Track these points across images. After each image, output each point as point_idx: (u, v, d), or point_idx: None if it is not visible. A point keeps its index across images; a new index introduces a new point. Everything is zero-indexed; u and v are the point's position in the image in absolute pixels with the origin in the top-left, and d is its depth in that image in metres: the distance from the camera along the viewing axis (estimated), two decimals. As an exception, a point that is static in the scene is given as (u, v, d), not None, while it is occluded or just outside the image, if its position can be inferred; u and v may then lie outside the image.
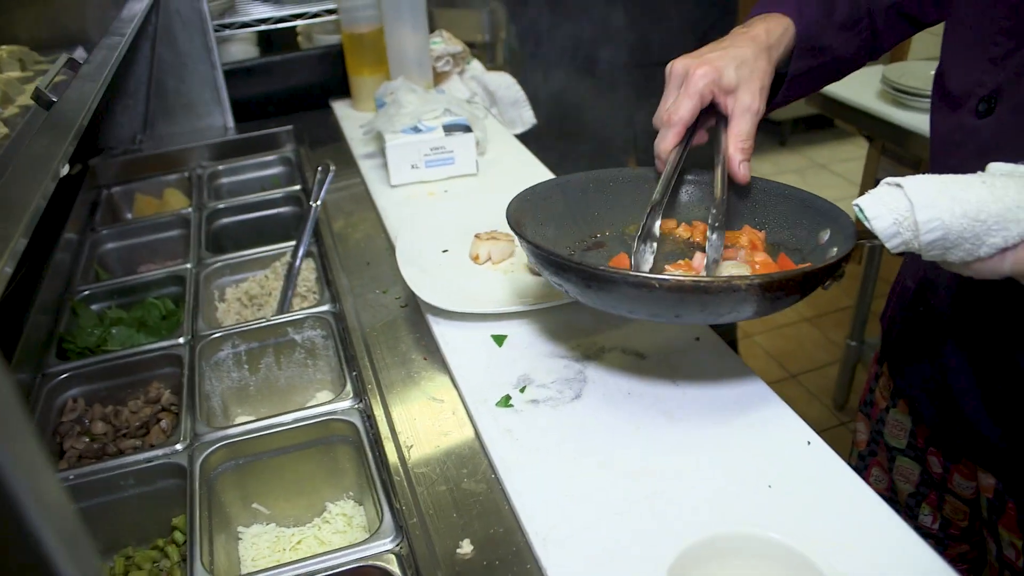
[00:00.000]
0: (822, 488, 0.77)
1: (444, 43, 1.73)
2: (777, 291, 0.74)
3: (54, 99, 0.86)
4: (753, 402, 0.88)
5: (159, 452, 0.98)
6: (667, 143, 0.91)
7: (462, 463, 0.85)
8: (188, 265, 1.39)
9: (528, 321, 1.04)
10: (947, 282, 0.96)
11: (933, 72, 2.02)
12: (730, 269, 0.84)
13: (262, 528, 1.05)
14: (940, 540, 1.19)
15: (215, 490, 0.99)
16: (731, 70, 0.89)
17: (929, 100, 1.92)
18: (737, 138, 0.89)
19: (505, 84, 1.81)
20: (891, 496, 1.23)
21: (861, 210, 0.68)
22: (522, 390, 0.92)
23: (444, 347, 1.01)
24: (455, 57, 1.74)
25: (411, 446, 0.88)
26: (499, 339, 1.01)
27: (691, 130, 0.93)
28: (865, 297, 2.44)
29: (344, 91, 1.86)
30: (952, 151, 0.91)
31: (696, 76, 0.88)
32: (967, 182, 0.65)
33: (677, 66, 0.91)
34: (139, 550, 1.01)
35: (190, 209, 1.58)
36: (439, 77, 1.75)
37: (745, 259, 0.88)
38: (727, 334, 2.32)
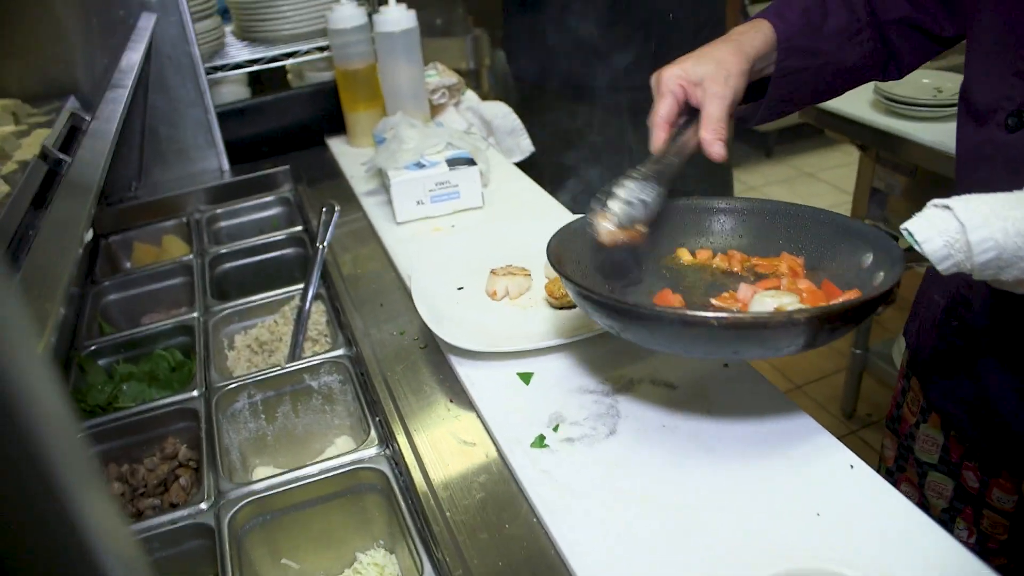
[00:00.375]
0: (871, 513, 0.75)
1: (439, 75, 1.73)
2: (836, 322, 0.73)
3: (61, 156, 0.84)
4: (789, 427, 0.87)
5: (184, 512, 0.96)
6: (655, 143, 0.97)
7: (501, 508, 0.83)
8: (195, 314, 1.36)
9: (553, 357, 1.02)
10: (982, 297, 0.95)
11: (926, 81, 2.04)
12: (775, 299, 0.82)
13: (292, 584, 1.02)
14: (978, 554, 1.18)
15: (244, 548, 0.96)
16: (696, 65, 0.95)
17: (922, 108, 1.94)
18: (707, 120, 0.93)
19: (501, 113, 1.80)
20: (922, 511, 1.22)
21: (911, 234, 0.67)
22: (555, 429, 0.90)
23: (470, 388, 0.99)
24: (450, 89, 1.73)
25: (447, 493, 0.86)
26: (526, 377, 0.99)
27: (682, 131, 0.97)
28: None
29: (339, 128, 1.85)
30: (981, 165, 0.91)
31: (665, 77, 0.96)
32: (1016, 200, 0.64)
33: (652, 78, 0.99)
34: (166, 615, 0.98)
35: (191, 256, 1.56)
36: (435, 110, 1.75)
37: (788, 287, 0.87)
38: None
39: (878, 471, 1.30)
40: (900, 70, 1.10)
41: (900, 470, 1.26)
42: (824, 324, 0.72)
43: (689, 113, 0.98)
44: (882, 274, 0.81)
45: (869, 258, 0.86)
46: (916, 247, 0.66)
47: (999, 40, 0.88)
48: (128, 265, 1.69)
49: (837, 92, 1.12)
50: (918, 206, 2.11)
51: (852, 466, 0.81)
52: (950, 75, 2.07)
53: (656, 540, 0.75)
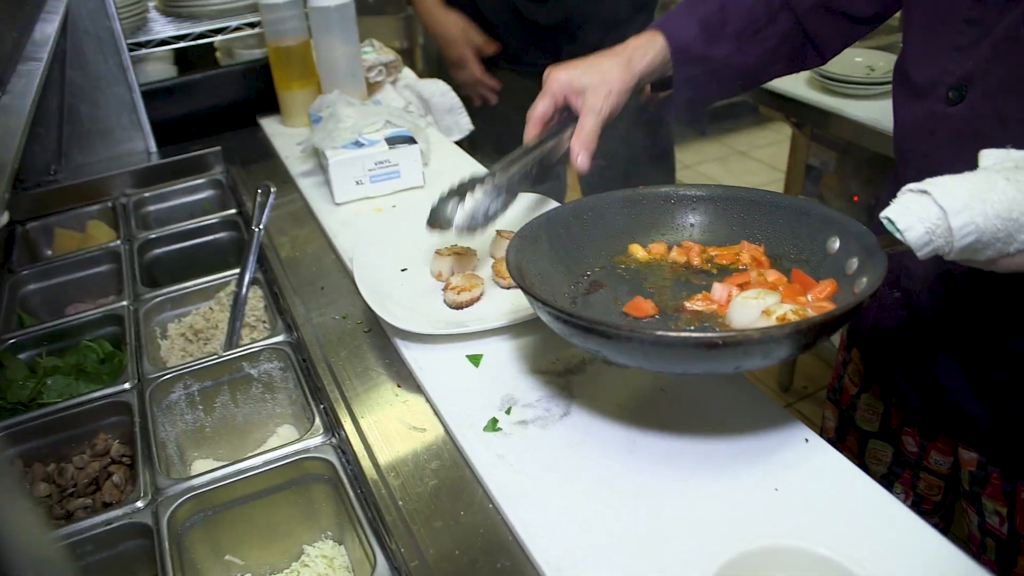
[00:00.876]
0: (828, 486, 0.76)
1: (375, 52, 1.68)
2: (835, 325, 0.71)
3: (-30, 136, 0.78)
4: (742, 402, 0.87)
5: (119, 512, 0.91)
6: (527, 136, 1.02)
7: (455, 494, 0.81)
8: (124, 302, 1.30)
9: (503, 338, 1.00)
10: (923, 271, 0.97)
11: (858, 59, 2.07)
12: (759, 300, 0.79)
13: (237, 581, 0.98)
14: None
15: (184, 547, 0.92)
16: (583, 74, 0.99)
17: (856, 86, 1.98)
18: (580, 133, 0.99)
19: (440, 91, 1.76)
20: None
21: (891, 222, 0.66)
22: (508, 411, 0.88)
23: (418, 372, 0.96)
24: (387, 66, 1.69)
25: (399, 481, 0.83)
26: (475, 359, 0.97)
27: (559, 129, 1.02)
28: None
29: (272, 107, 1.78)
30: (922, 139, 0.92)
31: (551, 79, 1.01)
32: (990, 181, 0.64)
33: (546, 71, 1.03)
34: (103, 619, 0.93)
35: (118, 242, 1.49)
36: (372, 87, 1.70)
37: (757, 280, 0.84)
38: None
39: None
40: (822, 56, 1.12)
41: (841, 440, 1.29)
42: (824, 329, 0.70)
43: (569, 115, 1.02)
44: (856, 261, 0.80)
45: (836, 243, 0.84)
46: (898, 235, 0.65)
47: (936, 15, 0.89)
48: (49, 253, 1.60)
49: (748, 88, 1.17)
50: (850, 182, 2.16)
51: (807, 440, 0.82)
52: (882, 54, 2.11)
53: (614, 523, 0.74)
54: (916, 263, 1.01)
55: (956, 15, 0.85)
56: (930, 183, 0.65)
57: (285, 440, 1.16)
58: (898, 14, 1.03)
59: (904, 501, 1.20)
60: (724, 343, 0.68)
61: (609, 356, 0.75)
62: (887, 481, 1.23)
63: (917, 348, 1.03)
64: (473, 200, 0.95)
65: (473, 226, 0.95)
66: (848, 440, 1.28)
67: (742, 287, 0.84)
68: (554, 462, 0.81)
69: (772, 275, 0.87)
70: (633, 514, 0.74)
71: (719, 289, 0.84)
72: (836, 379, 1.30)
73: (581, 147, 0.98)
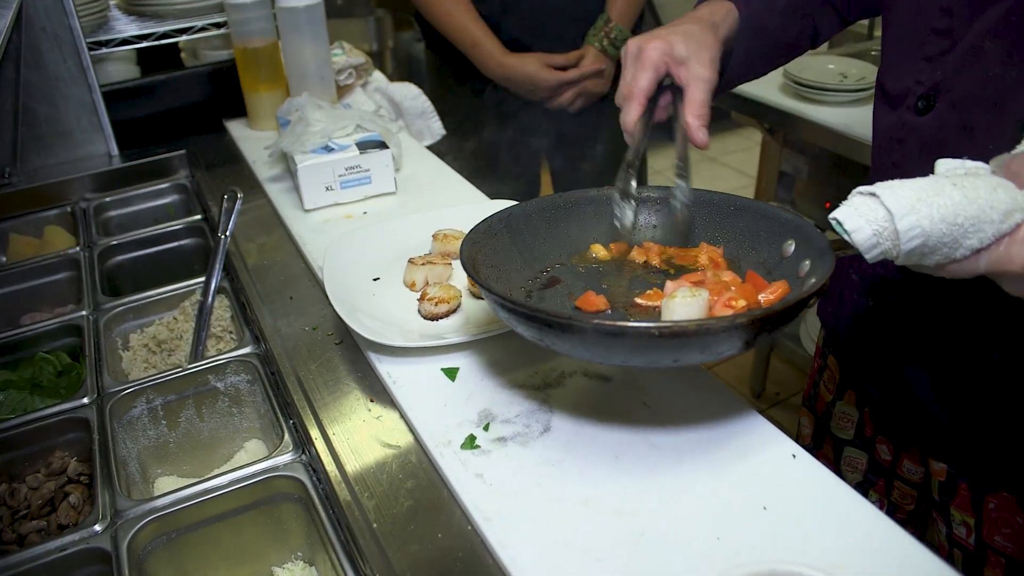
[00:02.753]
0: (817, 503, 0.74)
1: (346, 55, 1.64)
2: (778, 321, 0.71)
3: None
4: (728, 417, 0.85)
5: (75, 537, 0.86)
6: (631, 115, 0.92)
7: (433, 516, 0.78)
8: (83, 312, 1.24)
9: (479, 350, 0.97)
10: (896, 276, 0.96)
11: (831, 66, 2.08)
12: (691, 299, 0.78)
13: (202, 605, 0.94)
14: None
15: (146, 572, 0.87)
16: (681, 43, 0.92)
17: (829, 93, 1.98)
18: (692, 105, 0.90)
19: (411, 95, 1.73)
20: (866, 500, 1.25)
21: (839, 223, 0.66)
22: (486, 428, 0.85)
23: (392, 386, 0.93)
24: (357, 69, 1.65)
25: (373, 503, 0.80)
26: (451, 373, 0.94)
27: (652, 104, 0.94)
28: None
29: (239, 110, 1.73)
30: (894, 147, 0.92)
31: (649, 49, 0.91)
32: (938, 186, 0.64)
33: (631, 46, 0.94)
34: (59, 650, 0.88)
35: (77, 248, 1.43)
36: (341, 91, 1.66)
37: (712, 280, 0.84)
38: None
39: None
40: (815, 44, 1.12)
41: (818, 447, 1.29)
42: (765, 324, 0.70)
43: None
44: (808, 263, 0.80)
45: (791, 246, 0.85)
46: (846, 237, 0.65)
47: (909, 26, 0.89)
48: (3, 260, 1.53)
49: (772, 68, 1.12)
50: (822, 188, 2.16)
51: (794, 456, 0.80)
52: (855, 61, 2.12)
53: (597, 545, 0.71)
54: (887, 269, 1.01)
55: (925, 25, 0.85)
56: (879, 186, 0.65)
57: (253, 456, 1.12)
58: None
59: (880, 509, 1.21)
60: (660, 334, 0.68)
61: (553, 345, 0.76)
62: (862, 489, 1.22)
63: (888, 356, 1.02)
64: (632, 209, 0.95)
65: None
66: (824, 447, 1.27)
67: (696, 285, 0.83)
68: (534, 481, 0.78)
69: (727, 275, 0.86)
70: (617, 535, 0.72)
71: (670, 286, 0.84)
72: (812, 386, 1.30)
73: (699, 120, 0.90)
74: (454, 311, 1.03)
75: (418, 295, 1.07)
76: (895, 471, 1.16)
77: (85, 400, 1.05)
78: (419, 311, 1.04)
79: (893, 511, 1.21)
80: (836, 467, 1.25)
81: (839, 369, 1.21)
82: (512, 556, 0.70)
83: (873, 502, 1.20)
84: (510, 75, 1.74)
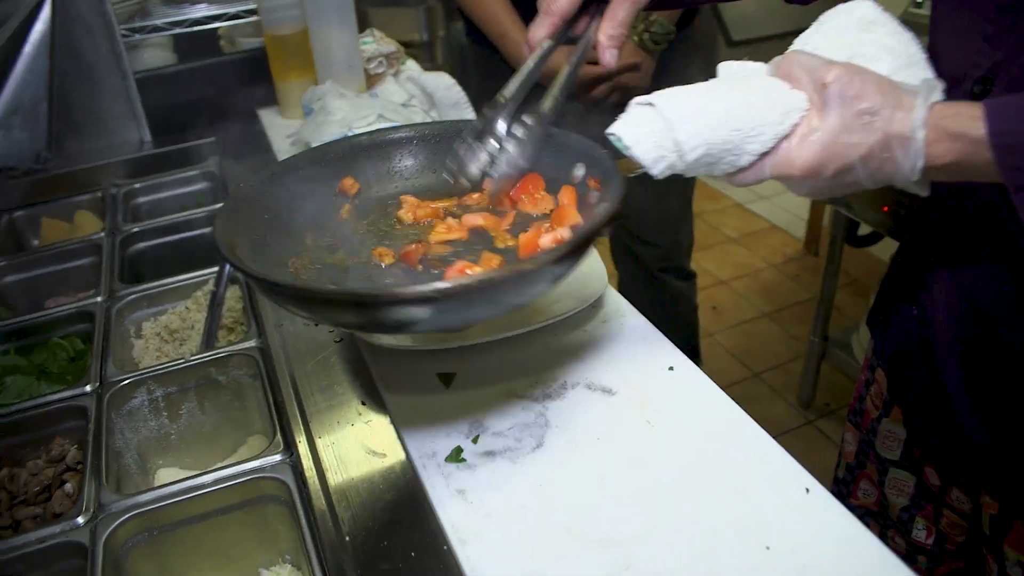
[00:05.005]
0: (827, 546, 0.67)
1: (376, 43, 1.60)
2: (569, 259, 0.67)
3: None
4: (740, 442, 0.78)
5: (55, 529, 0.84)
6: (539, 31, 0.81)
7: (409, 533, 0.73)
8: (98, 298, 1.24)
9: (479, 355, 0.92)
10: (943, 282, 0.88)
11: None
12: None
13: (186, 605, 0.92)
14: (935, 556, 1.12)
15: (124, 568, 0.85)
16: None
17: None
18: (611, 23, 0.79)
19: (444, 85, 1.68)
20: (881, 511, 1.16)
21: (618, 138, 0.63)
22: (475, 440, 0.80)
23: (384, 390, 0.89)
24: (388, 58, 1.61)
25: (349, 513, 0.76)
26: (447, 378, 0.89)
27: (566, 29, 0.83)
28: (827, 291, 2.38)
29: (271, 98, 1.72)
30: None
31: None
32: (716, 91, 0.62)
33: None
34: (39, 643, 0.87)
35: (102, 234, 1.43)
36: (372, 80, 1.62)
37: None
38: (689, 340, 2.24)
39: (837, 467, 1.24)
40: None
41: (860, 466, 1.20)
42: (559, 264, 0.66)
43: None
44: (607, 188, 0.75)
45: (581, 169, 0.80)
46: (626, 152, 0.63)
47: (966, 3, 0.80)
48: (35, 243, 1.55)
49: None
50: (876, 192, 2.01)
51: (808, 490, 0.72)
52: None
53: None
54: (936, 274, 0.93)
55: (987, 2, 0.76)
56: (656, 95, 0.62)
57: (257, 451, 1.10)
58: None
59: (926, 539, 1.12)
60: (440, 295, 0.61)
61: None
62: (908, 514, 1.13)
63: (932, 372, 0.94)
64: (507, 154, 0.81)
65: (504, 188, 0.82)
66: (868, 467, 1.18)
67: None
68: (519, 502, 0.73)
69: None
70: (599, 566, 0.66)
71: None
72: (858, 400, 1.20)
73: (613, 42, 0.79)
74: (457, 313, 0.99)
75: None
76: (943, 498, 1.07)
77: (87, 388, 1.04)
78: None
79: (942, 541, 1.11)
80: (880, 489, 1.16)
81: (887, 383, 1.12)
82: (483, 582, 0.65)
83: (919, 530, 1.12)
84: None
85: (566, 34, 0.82)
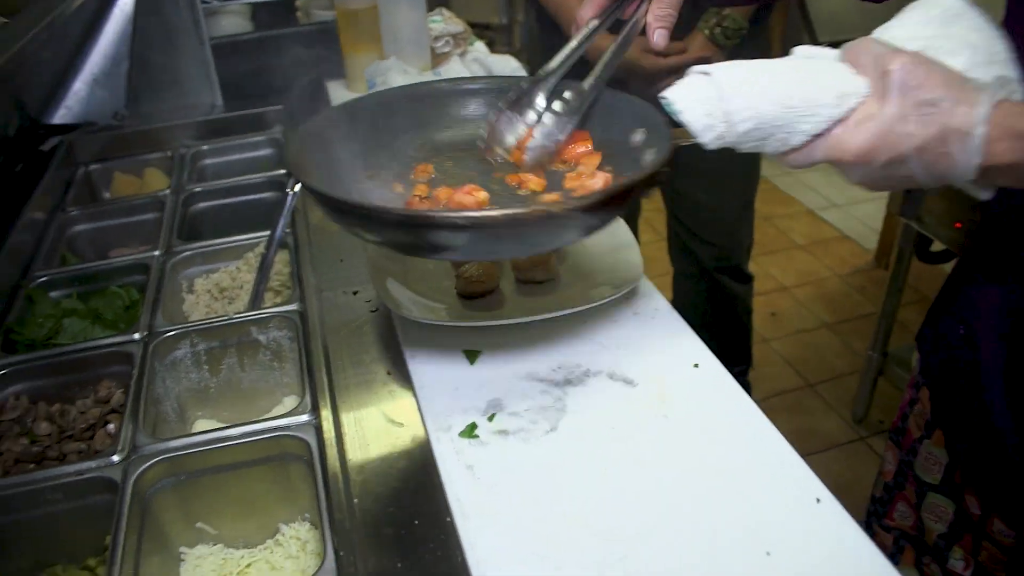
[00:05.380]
0: (830, 559, 0.65)
1: (444, 22, 1.62)
2: (604, 208, 0.69)
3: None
4: (753, 445, 0.77)
5: (92, 464, 0.89)
6: (587, 11, 0.81)
7: (415, 503, 0.74)
8: (156, 252, 1.29)
9: (506, 335, 0.93)
10: (992, 300, 0.85)
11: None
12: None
13: (208, 549, 0.95)
14: None
15: (151, 508, 0.89)
16: None
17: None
18: (660, 3, 0.79)
19: (510, 68, 1.69)
20: (917, 535, 1.12)
21: (669, 103, 0.63)
22: (491, 418, 0.81)
23: (410, 361, 0.90)
24: (456, 37, 1.62)
25: (361, 477, 0.78)
26: (472, 355, 0.90)
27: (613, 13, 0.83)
28: (890, 305, 2.30)
29: (341, 71, 1.75)
30: None
31: None
32: (775, 67, 0.62)
33: None
34: (69, 568, 0.92)
35: (167, 191, 1.49)
36: (438, 59, 1.64)
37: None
38: (742, 342, 2.20)
39: (875, 485, 1.20)
40: None
41: (899, 487, 1.16)
42: (588, 214, 0.68)
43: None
44: (652, 152, 0.76)
45: (639, 135, 0.80)
46: (676, 117, 0.63)
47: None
48: (106, 195, 1.62)
49: None
50: (952, 206, 1.93)
51: (819, 500, 0.71)
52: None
53: (572, 564, 0.66)
54: (981, 293, 0.89)
55: None
56: (716, 65, 0.63)
57: (288, 410, 1.13)
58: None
59: (963, 570, 1.07)
60: (469, 223, 0.67)
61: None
62: (944, 543, 1.09)
63: (976, 394, 0.90)
64: (544, 127, 0.82)
65: (540, 160, 0.83)
66: (907, 489, 1.14)
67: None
68: (525, 483, 0.74)
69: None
70: (594, 556, 0.66)
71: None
72: (900, 419, 1.16)
73: (661, 23, 0.79)
74: (491, 291, 0.99)
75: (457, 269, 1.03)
76: (984, 529, 1.03)
77: (136, 336, 1.09)
78: (455, 287, 1.01)
79: (981, 574, 1.07)
80: (917, 514, 1.12)
81: (930, 404, 1.08)
82: (478, 559, 0.66)
83: (956, 560, 1.07)
84: None
85: (615, 15, 0.82)
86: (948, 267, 2.42)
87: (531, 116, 0.81)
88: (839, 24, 3.41)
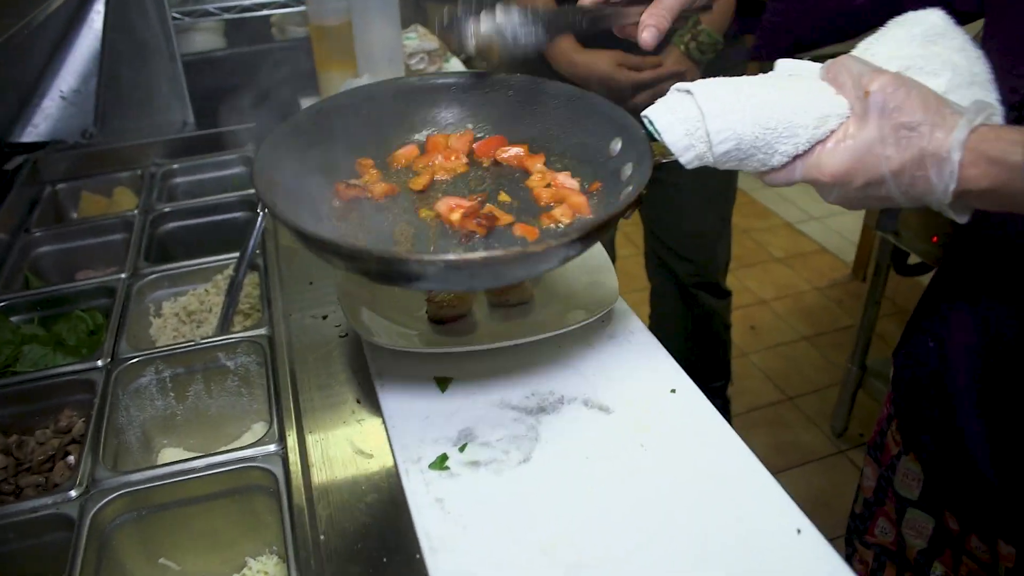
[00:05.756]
0: (806, 592, 0.64)
1: (419, 39, 1.60)
2: (582, 242, 0.69)
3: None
4: (733, 475, 0.75)
5: (48, 500, 0.86)
6: None
7: (384, 538, 0.72)
8: (122, 275, 1.26)
9: (478, 361, 0.91)
10: (963, 315, 0.84)
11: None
12: None
13: (171, 585, 0.92)
14: None
15: (110, 545, 0.86)
16: None
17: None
18: (656, 6, 0.79)
19: (486, 85, 1.67)
20: (898, 551, 1.10)
21: (651, 122, 0.63)
22: (462, 448, 0.79)
23: (380, 389, 0.88)
24: (430, 54, 1.61)
25: (328, 512, 0.75)
26: (443, 383, 0.88)
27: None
28: (868, 318, 2.30)
29: (315, 88, 1.73)
30: None
31: None
32: (756, 87, 0.61)
33: None
34: (26, 610, 0.88)
35: (135, 211, 1.45)
36: (413, 75, 1.62)
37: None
38: (720, 358, 2.19)
39: (855, 501, 1.19)
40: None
41: (879, 503, 1.15)
42: (572, 247, 0.68)
43: None
44: (630, 166, 0.75)
45: (618, 144, 0.79)
46: (657, 137, 0.63)
47: (1016, 31, 0.76)
48: (73, 215, 1.59)
49: (845, 36, 0.98)
50: (930, 219, 1.93)
51: (799, 531, 0.69)
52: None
53: (544, 598, 0.63)
54: (953, 308, 0.88)
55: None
56: (696, 84, 0.62)
57: (258, 437, 1.10)
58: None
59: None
60: (447, 265, 0.66)
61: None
62: (924, 558, 1.08)
63: (946, 409, 0.89)
64: (503, 17, 0.80)
65: (493, 44, 0.80)
66: (886, 505, 1.13)
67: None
68: (497, 515, 0.71)
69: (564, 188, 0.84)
70: (569, 593, 0.64)
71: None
72: (878, 434, 1.15)
73: (653, 21, 0.79)
74: (463, 316, 0.97)
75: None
76: (963, 544, 1.02)
77: (98, 363, 1.06)
78: (426, 311, 0.98)
79: None
80: (897, 529, 1.11)
81: (899, 420, 1.07)
82: (448, 597, 0.64)
83: (937, 575, 1.06)
84: (580, 74, 1.65)
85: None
86: (926, 279, 2.45)
87: (501, 16, 0.81)
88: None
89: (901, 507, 1.09)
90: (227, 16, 1.65)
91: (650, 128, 0.65)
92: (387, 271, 0.69)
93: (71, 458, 1.01)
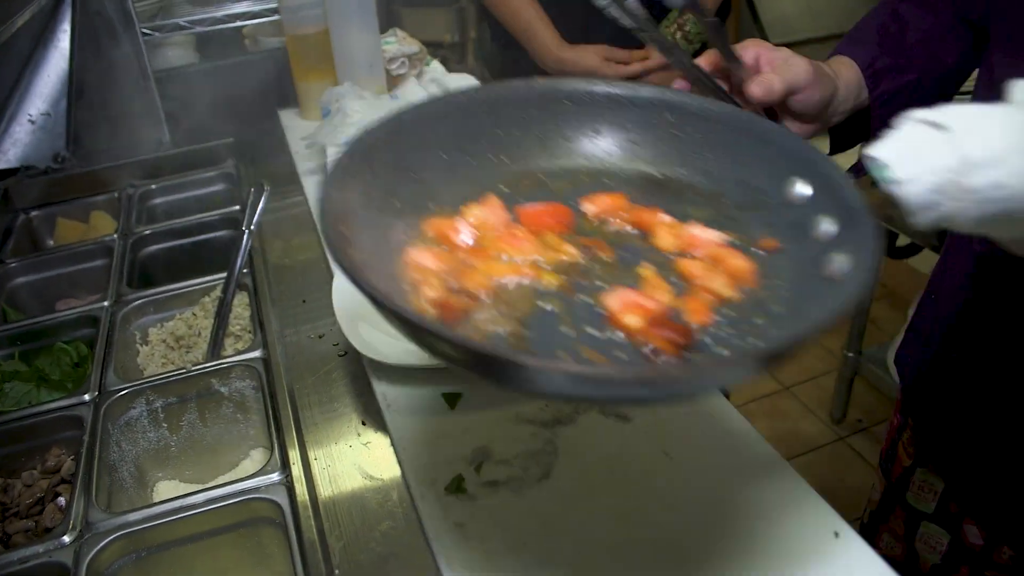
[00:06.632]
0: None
1: (398, 43, 1.56)
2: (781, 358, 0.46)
3: None
4: (763, 480, 0.72)
5: (39, 548, 0.81)
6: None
7: (403, 568, 0.68)
8: (104, 303, 1.21)
9: (488, 374, 0.87)
10: (987, 327, 0.81)
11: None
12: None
13: (176, 629, 0.87)
14: None
15: (110, 591, 0.81)
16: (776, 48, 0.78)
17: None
18: (763, 80, 0.73)
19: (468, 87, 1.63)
20: (906, 564, 1.07)
21: (883, 167, 0.44)
22: (478, 469, 0.75)
23: (386, 410, 0.84)
24: (411, 58, 1.57)
25: (341, 544, 0.71)
26: (452, 399, 0.84)
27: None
28: (862, 304, 2.29)
29: (293, 99, 1.68)
30: None
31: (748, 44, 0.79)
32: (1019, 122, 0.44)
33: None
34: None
35: (114, 236, 1.40)
36: (394, 81, 1.58)
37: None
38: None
39: (863, 512, 1.16)
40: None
41: (883, 518, 1.11)
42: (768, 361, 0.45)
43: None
44: (833, 224, 0.52)
45: (805, 188, 0.56)
46: (889, 188, 0.44)
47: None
48: (50, 243, 1.53)
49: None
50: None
51: (837, 534, 0.66)
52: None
53: (580, 625, 0.60)
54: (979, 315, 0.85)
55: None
56: (949, 114, 0.44)
57: (259, 467, 1.06)
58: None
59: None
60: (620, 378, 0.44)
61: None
62: (939, 574, 1.04)
63: (972, 411, 0.86)
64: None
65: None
66: (892, 519, 1.09)
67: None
68: (520, 539, 0.67)
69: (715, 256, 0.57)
70: (605, 618, 0.60)
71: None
72: (889, 445, 1.11)
73: (763, 91, 0.73)
74: (467, 327, 0.93)
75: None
76: (989, 557, 0.98)
77: (85, 397, 1.01)
78: None
79: None
80: (909, 543, 1.07)
81: (913, 432, 1.04)
82: (477, 631, 0.60)
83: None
84: (567, 70, 1.61)
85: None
86: (916, 262, 2.43)
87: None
88: (789, 27, 3.43)
89: (913, 520, 1.05)
90: (199, 29, 1.60)
91: (878, 174, 0.46)
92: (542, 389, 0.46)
93: (61, 500, 0.96)
